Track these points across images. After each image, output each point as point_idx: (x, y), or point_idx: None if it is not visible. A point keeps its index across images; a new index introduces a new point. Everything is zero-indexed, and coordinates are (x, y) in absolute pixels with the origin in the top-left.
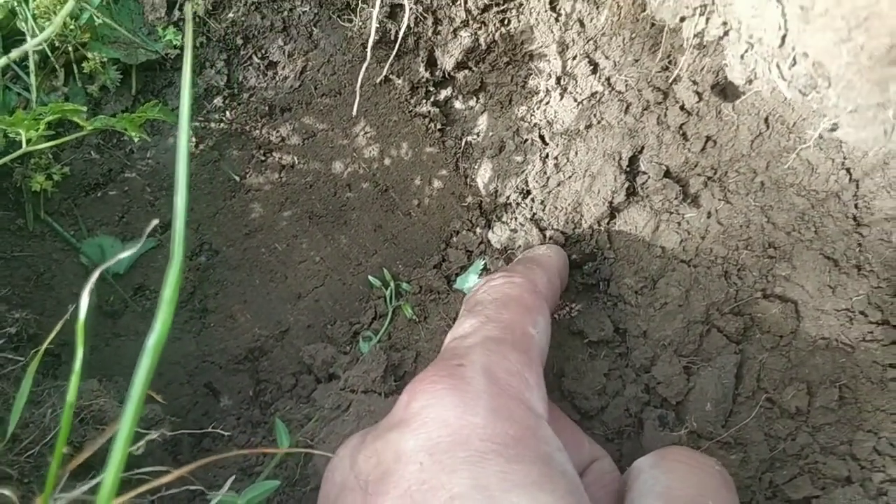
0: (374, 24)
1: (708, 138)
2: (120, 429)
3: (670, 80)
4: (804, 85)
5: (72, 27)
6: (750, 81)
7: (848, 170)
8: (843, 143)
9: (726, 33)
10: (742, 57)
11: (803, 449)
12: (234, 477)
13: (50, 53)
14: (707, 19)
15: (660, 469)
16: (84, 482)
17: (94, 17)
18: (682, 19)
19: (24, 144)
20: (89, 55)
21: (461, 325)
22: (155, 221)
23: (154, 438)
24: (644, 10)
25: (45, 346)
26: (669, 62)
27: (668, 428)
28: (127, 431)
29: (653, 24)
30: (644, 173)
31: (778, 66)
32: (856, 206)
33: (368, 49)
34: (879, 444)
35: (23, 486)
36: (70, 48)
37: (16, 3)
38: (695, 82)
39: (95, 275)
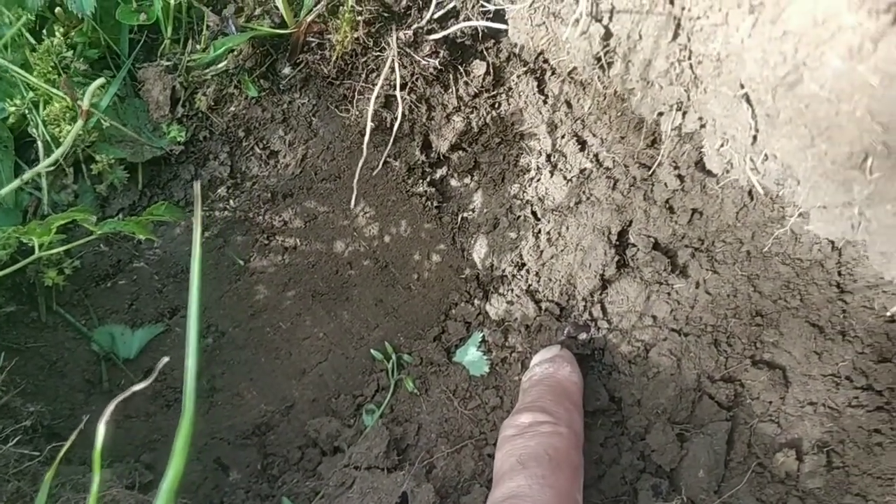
0: (370, 124)
1: (694, 211)
2: None
3: (653, 167)
4: (776, 178)
5: (80, 133)
6: (727, 171)
7: (830, 239)
8: (816, 235)
9: (703, 126)
10: (718, 150)
11: None
12: None
13: (59, 156)
14: (684, 114)
15: None
16: None
17: (102, 121)
18: (660, 114)
19: (36, 251)
20: (97, 157)
21: (515, 479)
22: None
23: None
24: (624, 103)
25: (62, 453)
26: (654, 140)
27: (661, 497)
28: None
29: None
30: (633, 246)
31: (752, 160)
32: (839, 273)
33: (365, 145)
34: None
35: None
36: (79, 150)
37: (27, 111)
38: (676, 166)
39: (111, 406)
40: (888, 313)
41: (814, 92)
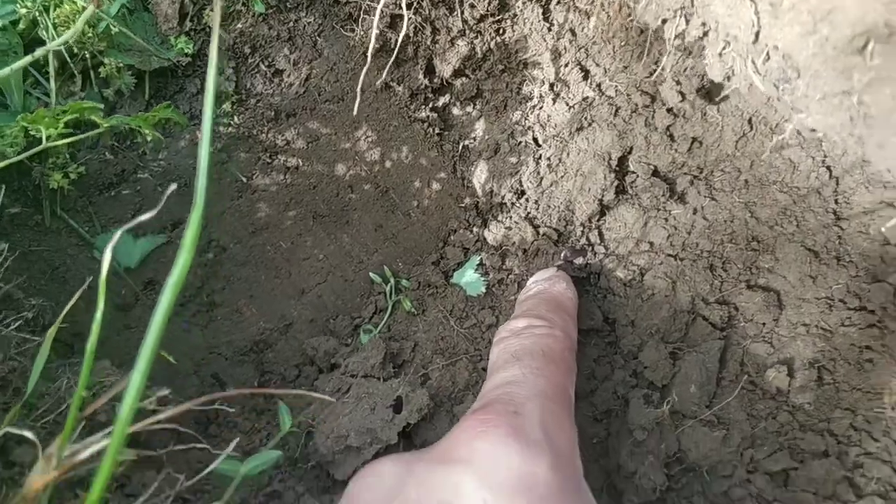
0: (375, 32)
1: (694, 139)
2: (132, 378)
3: (654, 80)
4: (777, 78)
5: (89, 35)
6: (728, 78)
7: (828, 167)
8: (814, 131)
9: (705, 33)
10: (720, 55)
11: (783, 426)
12: (237, 439)
13: (69, 59)
14: (687, 20)
15: None
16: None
17: (111, 27)
18: (664, 21)
19: (43, 141)
20: (106, 61)
21: (509, 370)
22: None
23: (161, 421)
24: (629, 16)
25: (59, 320)
26: (656, 66)
27: (652, 405)
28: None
29: (641, 32)
30: (633, 173)
31: (753, 62)
32: (836, 201)
33: (369, 55)
34: (856, 420)
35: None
36: (87, 55)
37: (37, 13)
38: (678, 82)
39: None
40: (882, 229)
41: None
